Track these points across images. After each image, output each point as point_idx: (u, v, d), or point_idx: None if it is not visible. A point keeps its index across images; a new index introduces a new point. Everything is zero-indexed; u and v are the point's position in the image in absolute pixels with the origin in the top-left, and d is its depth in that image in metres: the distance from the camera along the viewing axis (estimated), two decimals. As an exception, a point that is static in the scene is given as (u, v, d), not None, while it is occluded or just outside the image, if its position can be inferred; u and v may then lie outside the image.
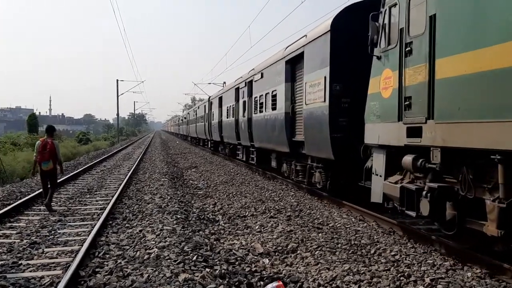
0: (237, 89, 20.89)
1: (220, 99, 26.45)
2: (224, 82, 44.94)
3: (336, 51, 9.77)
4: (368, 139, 8.02)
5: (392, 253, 6.36)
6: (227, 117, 23.33)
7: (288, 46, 13.17)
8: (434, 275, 5.44)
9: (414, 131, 6.35)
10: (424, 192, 6.21)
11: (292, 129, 12.71)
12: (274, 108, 14.09)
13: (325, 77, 9.89)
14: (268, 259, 6.31)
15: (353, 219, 8.75)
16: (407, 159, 6.58)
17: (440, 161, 5.87)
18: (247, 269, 5.82)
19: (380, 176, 7.57)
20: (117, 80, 54.27)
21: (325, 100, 9.89)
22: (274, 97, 14.12)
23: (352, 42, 9.47)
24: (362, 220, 8.72)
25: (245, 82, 18.90)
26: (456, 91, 5.41)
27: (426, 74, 6.02)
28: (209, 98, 32.52)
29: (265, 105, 15.37)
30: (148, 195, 11.82)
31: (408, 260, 6.04)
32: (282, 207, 10.14)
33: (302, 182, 12.77)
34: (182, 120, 67.70)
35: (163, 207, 9.88)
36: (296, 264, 6.08)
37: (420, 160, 6.30)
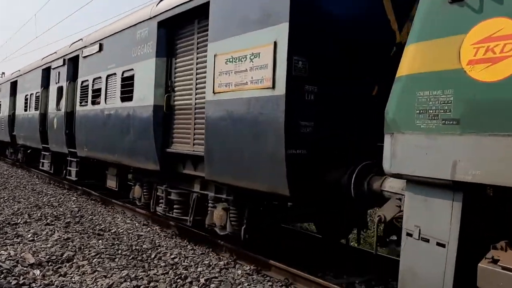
0: (47, 70, 14.84)
1: (14, 84, 19.61)
2: (3, 73, 39.81)
3: None
4: (403, 165, 3.85)
5: (172, 256, 6.53)
6: (26, 110, 17.02)
7: None
8: (209, 275, 5.77)
9: None
10: None
11: (166, 133, 7.98)
12: (127, 98, 9.00)
13: (274, 44, 5.38)
14: (40, 270, 5.83)
15: (136, 224, 8.70)
16: None
17: None
18: (14, 282, 5.27)
19: (441, 245, 3.60)
20: None
21: (273, 86, 5.39)
22: (128, 80, 9.07)
23: None
24: (146, 224, 8.74)
25: (64, 60, 13.09)
26: None
27: None
28: None
29: (106, 93, 10.16)
30: None
31: (186, 262, 6.29)
32: (61, 213, 9.48)
33: (180, 220, 7.91)
34: None
35: None
36: (70, 274, 5.74)
37: None
